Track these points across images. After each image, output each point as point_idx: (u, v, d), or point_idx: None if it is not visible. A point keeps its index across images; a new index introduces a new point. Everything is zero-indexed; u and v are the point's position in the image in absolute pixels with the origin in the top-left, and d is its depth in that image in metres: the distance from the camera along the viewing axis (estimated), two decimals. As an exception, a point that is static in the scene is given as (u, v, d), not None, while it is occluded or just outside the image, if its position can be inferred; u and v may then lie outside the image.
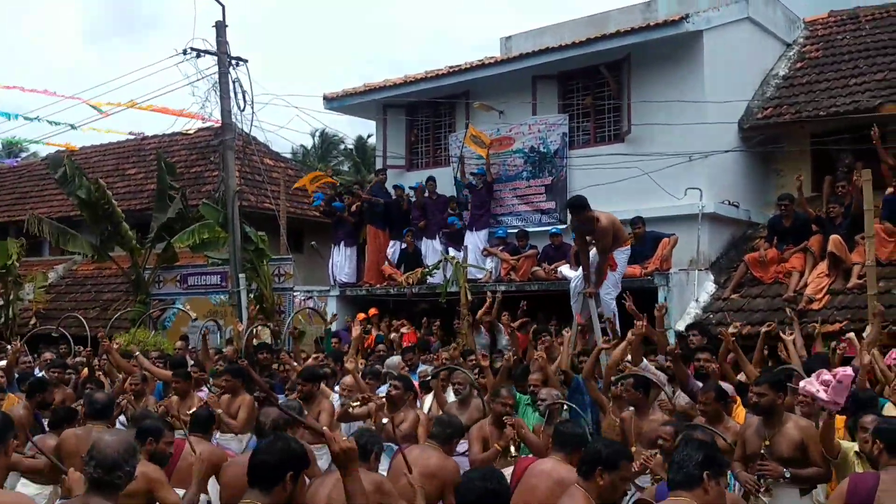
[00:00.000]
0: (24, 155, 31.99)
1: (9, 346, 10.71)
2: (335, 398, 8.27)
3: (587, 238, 9.61)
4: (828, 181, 12.06)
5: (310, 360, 9.52)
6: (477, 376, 8.08)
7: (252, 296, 15.14)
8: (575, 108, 13.80)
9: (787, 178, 12.86)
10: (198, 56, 14.86)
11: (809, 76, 13.62)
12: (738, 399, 6.65)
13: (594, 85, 13.61)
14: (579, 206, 9.39)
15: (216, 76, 14.99)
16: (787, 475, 5.15)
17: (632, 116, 12.95)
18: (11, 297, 17.71)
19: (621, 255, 9.77)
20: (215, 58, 14.98)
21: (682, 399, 6.95)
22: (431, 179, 14.37)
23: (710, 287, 11.95)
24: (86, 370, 10.06)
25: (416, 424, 7.18)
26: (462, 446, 6.37)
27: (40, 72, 62.17)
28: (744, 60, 13.43)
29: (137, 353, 10.26)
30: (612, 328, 9.19)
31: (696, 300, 11.68)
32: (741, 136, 13.20)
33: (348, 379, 8.24)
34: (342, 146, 36.58)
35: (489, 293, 11.39)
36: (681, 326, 11.23)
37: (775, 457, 5.24)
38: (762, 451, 5.30)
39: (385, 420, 6.08)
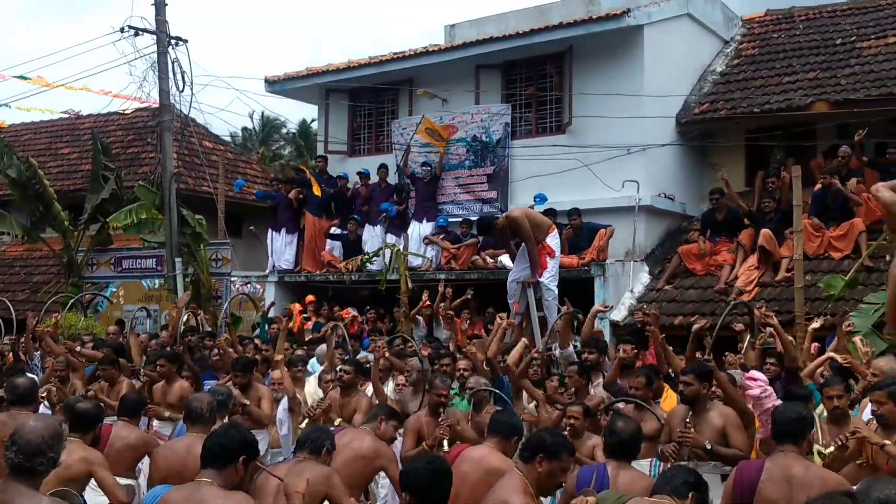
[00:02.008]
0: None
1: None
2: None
3: (513, 241, 10.04)
4: (760, 176, 12.38)
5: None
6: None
7: (188, 280, 14.90)
8: (518, 99, 13.89)
9: (720, 173, 13.15)
10: (136, 34, 14.52)
11: (745, 73, 13.94)
12: (668, 387, 6.80)
13: (537, 75, 13.71)
14: (487, 227, 10.28)
15: (155, 56, 14.66)
16: (708, 446, 5.30)
17: (573, 108, 13.08)
18: (-65, 277, 17.11)
19: (552, 239, 9.94)
20: (154, 37, 14.64)
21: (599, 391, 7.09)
22: (383, 167, 14.29)
23: (644, 278, 12.19)
24: (11, 355, 9.79)
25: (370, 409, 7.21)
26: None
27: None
28: (682, 56, 13.68)
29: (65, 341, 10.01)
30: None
31: (631, 291, 11.90)
32: (678, 130, 13.45)
33: (277, 373, 8.21)
34: (284, 130, 36.17)
35: (442, 286, 11.38)
36: (616, 317, 11.46)
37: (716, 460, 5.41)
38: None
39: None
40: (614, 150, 12.30)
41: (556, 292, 9.81)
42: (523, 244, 9.85)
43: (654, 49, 12.78)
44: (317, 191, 14.33)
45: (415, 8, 63.23)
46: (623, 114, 12.22)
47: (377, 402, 7.13)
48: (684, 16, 13.71)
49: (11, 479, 3.29)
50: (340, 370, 7.34)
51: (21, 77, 16.83)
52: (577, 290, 10.70)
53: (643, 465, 5.44)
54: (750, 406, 5.70)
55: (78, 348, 9.32)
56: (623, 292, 11.78)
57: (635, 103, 12.30)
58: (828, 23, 14.48)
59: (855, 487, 3.40)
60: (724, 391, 5.71)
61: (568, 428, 5.68)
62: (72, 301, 14.21)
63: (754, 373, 5.92)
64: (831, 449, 4.88)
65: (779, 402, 5.49)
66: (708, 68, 14.36)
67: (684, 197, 13.39)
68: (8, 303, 12.55)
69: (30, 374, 8.50)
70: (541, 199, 12.30)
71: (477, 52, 13.60)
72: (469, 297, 11.74)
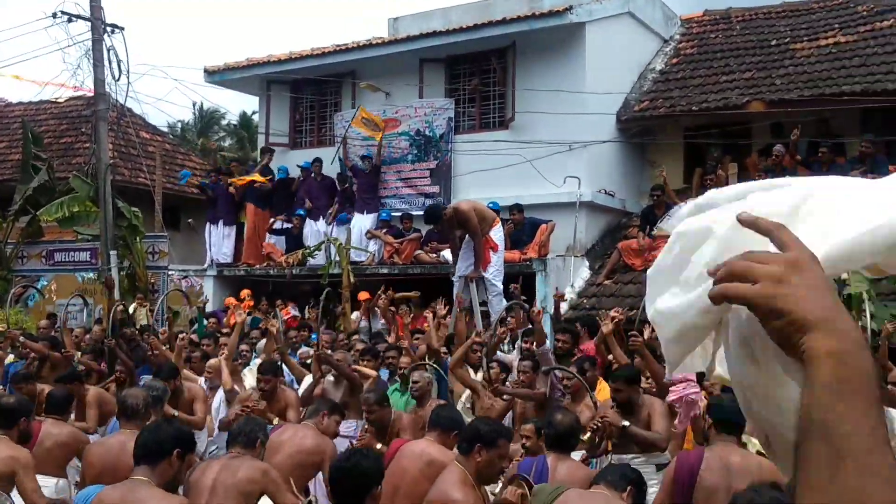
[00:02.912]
0: None
1: None
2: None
3: (457, 232, 10.01)
4: (698, 173, 12.62)
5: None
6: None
7: (124, 273, 14.54)
8: (461, 93, 13.90)
9: (660, 169, 13.36)
10: (69, 20, 14.06)
11: (684, 72, 14.19)
12: (601, 379, 6.91)
13: (481, 71, 13.74)
14: (434, 216, 10.25)
15: (89, 43, 14.23)
16: (626, 423, 5.40)
17: (516, 104, 13.14)
18: None
19: (496, 233, 9.99)
20: (88, 23, 14.22)
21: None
22: (317, 161, 14.16)
23: (585, 273, 12.32)
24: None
25: (298, 405, 7.12)
26: (344, 426, 6.32)
27: None
28: (623, 54, 13.85)
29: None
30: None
31: (572, 286, 12.02)
32: (619, 127, 13.63)
33: (214, 361, 8.07)
34: (224, 121, 35.60)
35: (390, 292, 11.32)
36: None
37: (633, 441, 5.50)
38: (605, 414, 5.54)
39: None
40: (556, 146, 12.39)
41: (501, 287, 9.85)
42: (467, 238, 9.86)
43: (595, 46, 12.91)
44: (259, 179, 14.19)
45: (359, 1, 62.82)
46: (565, 110, 12.31)
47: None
48: (625, 14, 13.89)
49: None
50: (259, 380, 7.09)
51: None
52: (518, 284, 10.78)
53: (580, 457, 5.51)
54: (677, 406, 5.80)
55: (21, 339, 9.04)
56: (564, 287, 11.88)
57: (577, 100, 12.40)
58: (763, 24, 14.82)
59: None
60: (654, 377, 5.84)
61: (523, 448, 5.60)
62: (8, 294, 13.76)
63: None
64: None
65: (697, 392, 5.59)
66: (648, 66, 14.58)
67: (624, 193, 13.57)
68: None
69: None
70: (493, 205, 12.31)
71: (421, 45, 13.57)
72: (416, 295, 11.71)
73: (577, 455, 5.45)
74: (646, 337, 6.59)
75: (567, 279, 12.02)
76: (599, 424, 5.37)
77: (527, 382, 6.87)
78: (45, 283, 15.95)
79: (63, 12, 14.01)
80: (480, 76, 13.73)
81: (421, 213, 13.47)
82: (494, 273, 9.88)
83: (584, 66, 12.76)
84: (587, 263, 12.47)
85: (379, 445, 5.83)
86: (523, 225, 12.06)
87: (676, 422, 5.69)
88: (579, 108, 12.39)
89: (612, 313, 7.35)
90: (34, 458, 5.37)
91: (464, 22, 13.51)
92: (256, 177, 14.46)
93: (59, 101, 19.00)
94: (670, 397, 5.69)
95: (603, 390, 6.83)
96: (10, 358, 9.36)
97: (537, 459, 4.69)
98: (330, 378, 7.41)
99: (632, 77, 14.20)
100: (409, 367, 7.37)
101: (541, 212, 12.31)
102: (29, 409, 5.31)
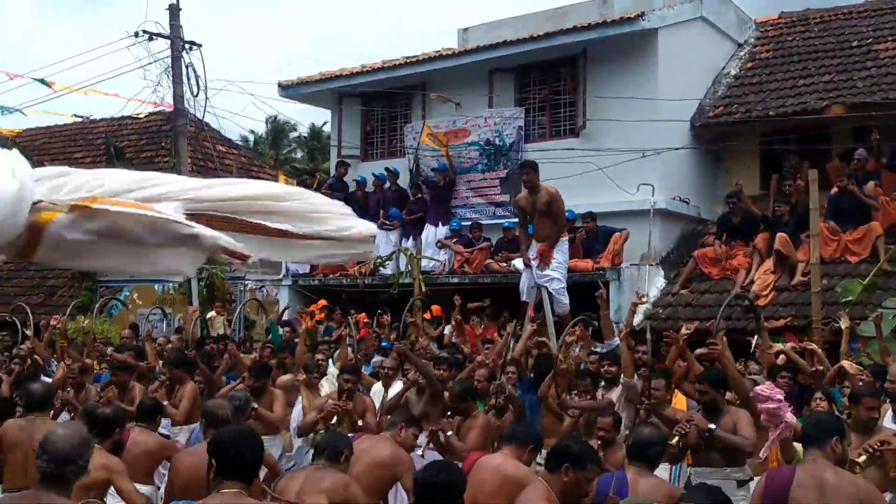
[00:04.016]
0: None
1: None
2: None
3: (529, 211, 9.74)
4: (775, 179, 12.32)
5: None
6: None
7: (202, 284, 14.93)
8: (531, 102, 13.87)
9: (736, 176, 13.09)
10: (150, 39, 14.56)
11: (759, 76, 13.88)
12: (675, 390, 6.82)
13: (551, 79, 13.69)
14: (531, 165, 9.82)
15: (169, 60, 14.72)
16: (713, 427, 5.28)
17: (587, 111, 13.05)
18: (-49, 282, 17.21)
19: (561, 245, 9.88)
20: (168, 41, 14.70)
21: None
22: (392, 171, 14.30)
23: (659, 282, 12.14)
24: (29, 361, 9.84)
25: (374, 410, 7.22)
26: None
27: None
28: (696, 59, 13.63)
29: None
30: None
31: (647, 295, 11.83)
32: (692, 133, 13.41)
33: (285, 378, 8.21)
34: (295, 134, 36.23)
35: (457, 298, 11.34)
36: (632, 321, 11.38)
37: (716, 447, 5.40)
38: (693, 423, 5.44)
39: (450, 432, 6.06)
40: (629, 154, 12.25)
41: (567, 299, 9.76)
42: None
43: (667, 52, 12.74)
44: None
45: (428, 11, 63.34)
46: (637, 117, 12.17)
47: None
48: (698, 19, 13.67)
49: (43, 488, 3.29)
50: (341, 381, 7.22)
51: (41, 81, 16.91)
52: (592, 294, 10.66)
53: (663, 472, 5.43)
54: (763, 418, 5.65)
55: (109, 351, 9.38)
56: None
57: (650, 107, 12.25)
58: (844, 25, 14.40)
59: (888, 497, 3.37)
60: (738, 392, 5.71)
61: (599, 440, 5.61)
62: (100, 305, 14.29)
63: (766, 388, 5.83)
64: (864, 458, 4.82)
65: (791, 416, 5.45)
66: (722, 71, 14.31)
67: (699, 200, 13.34)
68: (27, 308, 12.57)
69: (45, 379, 8.57)
70: (568, 213, 12.24)
71: (490, 56, 13.59)
72: (485, 304, 11.71)
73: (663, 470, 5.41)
74: (720, 346, 6.46)
75: (641, 288, 11.80)
76: (686, 428, 5.29)
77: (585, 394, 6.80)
78: (127, 293, 16.50)
79: (144, 31, 14.54)
80: (550, 84, 13.69)
81: (491, 221, 13.55)
82: (557, 283, 9.74)
83: (656, 72, 12.60)
84: (662, 272, 12.28)
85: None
86: (596, 233, 11.96)
87: (763, 446, 5.53)
88: (652, 114, 12.24)
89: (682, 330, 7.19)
90: (124, 462, 5.56)
91: (533, 31, 13.48)
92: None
93: (140, 116, 19.64)
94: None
95: (679, 402, 6.73)
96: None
97: (616, 475, 4.63)
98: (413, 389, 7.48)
99: (705, 83, 13.96)
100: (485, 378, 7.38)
101: (614, 220, 12.19)
102: (124, 420, 5.46)
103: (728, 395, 5.92)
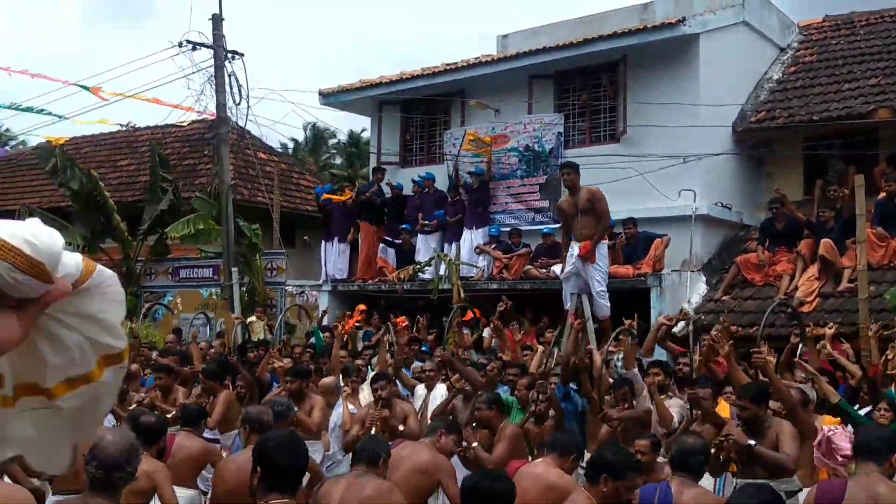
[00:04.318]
0: (12, 143, 31.78)
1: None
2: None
3: (570, 213, 9.51)
4: (819, 185, 12.12)
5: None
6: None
7: (244, 289, 15.13)
8: (571, 108, 13.83)
9: (779, 181, 12.93)
10: (193, 49, 14.80)
11: (803, 81, 13.68)
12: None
13: (590, 85, 13.64)
14: (573, 166, 9.62)
15: (212, 69, 14.95)
16: (751, 443, 5.20)
17: (627, 117, 12.99)
18: (2, 287, 17.62)
19: (602, 248, 9.77)
20: (211, 51, 14.92)
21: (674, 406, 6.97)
22: (430, 177, 14.36)
23: (701, 288, 12.02)
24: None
25: (416, 415, 7.25)
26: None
27: (38, 57, 61.78)
28: (738, 64, 13.49)
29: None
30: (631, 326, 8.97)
31: (688, 301, 11.73)
32: (734, 138, 13.26)
33: (328, 380, 8.25)
34: (334, 140, 36.51)
35: (504, 300, 11.27)
36: (674, 328, 11.27)
37: (758, 463, 5.31)
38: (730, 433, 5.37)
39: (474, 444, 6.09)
40: (670, 160, 12.16)
41: (608, 305, 9.67)
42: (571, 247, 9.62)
43: (709, 57, 12.63)
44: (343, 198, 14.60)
45: (466, 18, 63.51)
46: (678, 122, 12.08)
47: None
48: (740, 24, 13.53)
49: (93, 494, 3.36)
50: (373, 391, 7.25)
51: (84, 88, 17.26)
52: (632, 300, 10.58)
53: (706, 484, 5.36)
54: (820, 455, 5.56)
55: (154, 356, 9.54)
56: (680, 303, 11.60)
57: (691, 112, 12.16)
58: (890, 27, 14.14)
59: None
60: (783, 402, 5.62)
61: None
62: (149, 309, 14.55)
63: (842, 437, 5.66)
64: None
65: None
66: (764, 76, 14.14)
67: (741, 206, 13.19)
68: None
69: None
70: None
71: (530, 62, 13.59)
72: (507, 307, 11.54)
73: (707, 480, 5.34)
74: (765, 354, 6.36)
75: (683, 295, 11.75)
76: (724, 442, 5.21)
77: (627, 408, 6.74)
78: (171, 298, 16.78)
79: (188, 41, 14.76)
80: (590, 90, 13.64)
81: (530, 228, 13.53)
82: (599, 287, 9.64)
83: (697, 77, 12.50)
84: (704, 278, 12.16)
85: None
86: (637, 239, 11.88)
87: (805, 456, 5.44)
88: (693, 120, 12.14)
89: (716, 328, 7.11)
90: (168, 469, 5.65)
91: (573, 37, 13.46)
92: (345, 196, 14.85)
93: (184, 124, 19.98)
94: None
95: (722, 409, 6.65)
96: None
97: (660, 485, 4.58)
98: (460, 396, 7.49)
99: (747, 87, 13.80)
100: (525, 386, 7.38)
101: (654, 226, 12.10)
102: (167, 427, 5.56)
103: (773, 404, 5.84)
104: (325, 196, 15.16)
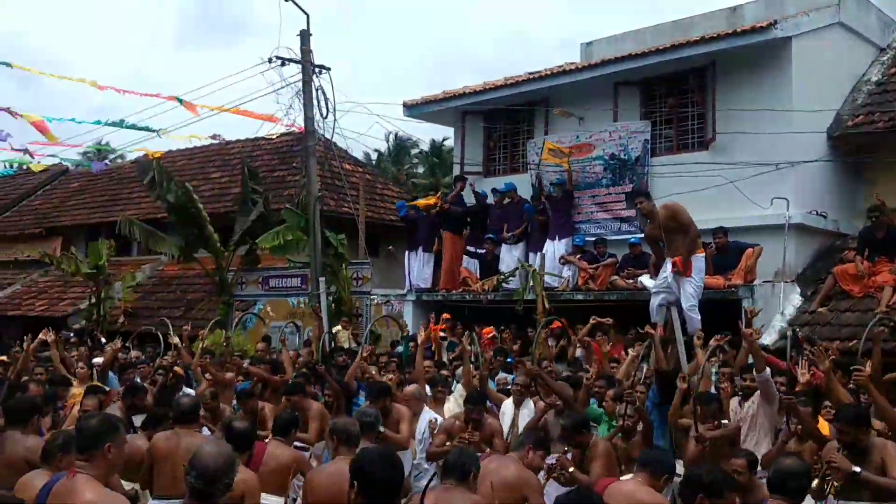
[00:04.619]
0: (111, 157, 33.17)
1: (108, 345, 11.16)
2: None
3: (659, 237, 9.24)
4: (923, 192, 11.58)
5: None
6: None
7: (331, 299, 15.36)
8: (657, 115, 13.60)
9: (879, 188, 12.38)
10: (282, 64, 15.15)
11: (905, 82, 13.11)
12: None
13: (677, 91, 13.39)
14: (643, 193, 9.47)
15: (300, 84, 15.27)
16: (857, 470, 4.97)
17: (716, 124, 12.69)
18: (102, 295, 18.42)
19: (697, 261, 9.51)
20: (299, 66, 15.25)
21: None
22: (512, 186, 14.33)
23: (796, 300, 11.61)
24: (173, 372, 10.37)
25: (503, 433, 7.22)
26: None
27: (132, 72, 64.52)
28: (834, 67, 13.01)
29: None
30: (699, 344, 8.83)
31: (782, 313, 11.36)
32: (830, 144, 12.80)
33: (412, 388, 8.27)
34: (416, 150, 36.88)
35: (594, 318, 11.15)
36: (766, 340, 10.93)
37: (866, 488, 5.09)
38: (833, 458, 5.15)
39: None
40: (761, 167, 11.82)
41: (699, 319, 9.43)
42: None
43: (802, 61, 12.23)
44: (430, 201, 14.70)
45: (549, 24, 63.24)
46: (770, 129, 11.74)
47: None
48: (836, 25, 13.06)
49: (191, 503, 3.46)
50: (467, 412, 7.17)
51: (178, 100, 17.89)
52: (723, 312, 10.30)
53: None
54: None
55: (245, 364, 9.79)
56: (773, 315, 11.25)
57: (783, 118, 11.79)
58: None
59: None
60: (888, 422, 5.37)
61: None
62: (241, 318, 14.96)
63: None
64: None
65: None
66: (862, 78, 13.60)
67: (837, 214, 12.70)
68: (168, 322, 13.29)
69: (189, 391, 9.01)
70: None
71: (615, 69, 13.43)
72: (599, 322, 11.40)
73: None
74: (868, 371, 6.10)
75: (776, 306, 11.37)
76: (828, 473, 5.01)
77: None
78: (261, 306, 17.19)
79: (277, 57, 15.12)
80: (677, 97, 13.38)
81: (617, 237, 13.33)
82: (691, 301, 9.39)
83: (790, 81, 12.11)
84: (798, 290, 11.74)
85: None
86: (727, 249, 11.57)
87: None
88: (786, 126, 11.77)
89: (825, 345, 6.85)
90: (259, 477, 5.77)
91: (659, 43, 13.24)
92: (430, 200, 14.91)
93: (273, 137, 20.48)
94: None
95: (822, 428, 6.40)
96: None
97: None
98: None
99: (844, 91, 13.30)
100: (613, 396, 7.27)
101: (746, 235, 11.77)
102: (256, 436, 5.67)
103: (877, 423, 5.60)
104: (410, 203, 15.34)
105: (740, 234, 11.76)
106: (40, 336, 9.57)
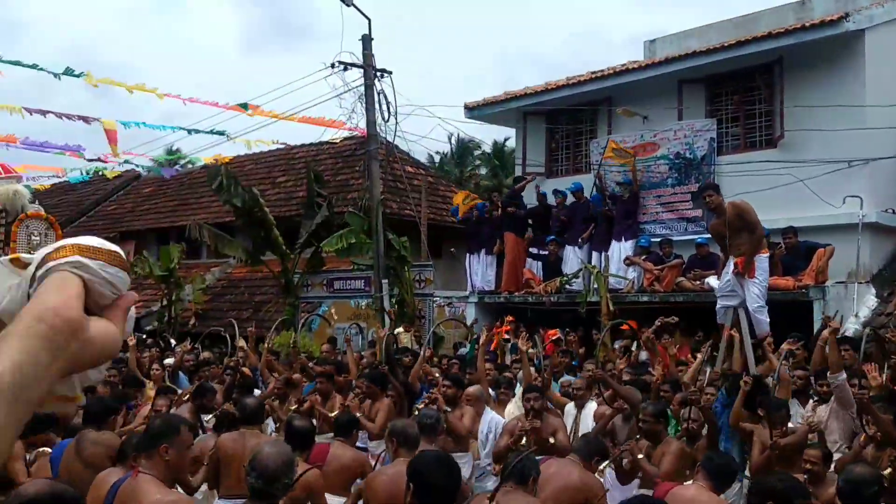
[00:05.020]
0: (182, 162, 34.00)
1: (178, 347, 11.47)
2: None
3: (724, 233, 9.12)
4: None
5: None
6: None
7: (394, 301, 15.48)
8: (723, 113, 13.33)
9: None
10: (345, 69, 15.34)
11: None
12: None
13: (744, 88, 13.11)
14: (711, 185, 9.45)
15: (362, 88, 15.43)
16: None
17: (785, 121, 12.38)
18: (173, 297, 18.92)
19: (761, 262, 9.28)
20: (361, 70, 15.42)
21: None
22: (580, 186, 14.23)
23: (871, 301, 11.24)
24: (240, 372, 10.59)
25: (566, 430, 7.18)
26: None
27: (200, 80, 66.13)
28: (910, 59, 12.55)
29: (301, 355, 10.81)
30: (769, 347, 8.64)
31: (856, 315, 11.01)
32: (906, 140, 12.34)
33: (473, 389, 8.27)
34: (478, 151, 36.86)
35: (660, 319, 11.01)
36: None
37: None
38: None
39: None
40: (832, 165, 11.48)
41: (767, 321, 9.20)
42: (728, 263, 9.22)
43: (876, 54, 11.84)
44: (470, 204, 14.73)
45: (613, 22, 62.63)
46: (842, 125, 11.39)
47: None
48: (911, 15, 12.59)
49: (253, 502, 3.54)
50: (525, 400, 7.21)
51: (243, 106, 18.26)
52: (794, 314, 10.05)
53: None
54: None
55: (310, 364, 9.95)
56: (847, 317, 10.91)
57: (856, 113, 11.43)
58: None
59: None
60: None
61: (806, 473, 5.28)
62: (306, 319, 15.23)
63: None
64: None
65: None
66: (941, 70, 13.08)
67: (914, 212, 12.25)
68: (235, 323, 13.58)
69: (256, 391, 9.18)
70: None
71: (680, 67, 13.21)
72: (663, 323, 11.21)
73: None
74: None
75: (850, 308, 11.03)
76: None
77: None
78: (326, 308, 17.41)
79: (340, 62, 15.31)
80: (743, 94, 13.10)
81: (683, 238, 13.10)
82: (758, 303, 9.15)
83: (862, 76, 11.74)
84: (873, 291, 11.37)
85: None
86: (797, 249, 11.26)
87: None
88: (858, 121, 11.41)
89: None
90: (324, 477, 5.84)
91: (724, 39, 12.98)
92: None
93: (336, 141, 20.73)
94: None
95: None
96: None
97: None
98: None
99: (920, 84, 12.81)
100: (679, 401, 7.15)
101: (817, 235, 11.44)
102: (314, 434, 5.74)
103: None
104: (463, 207, 15.39)
105: (811, 234, 11.44)
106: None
